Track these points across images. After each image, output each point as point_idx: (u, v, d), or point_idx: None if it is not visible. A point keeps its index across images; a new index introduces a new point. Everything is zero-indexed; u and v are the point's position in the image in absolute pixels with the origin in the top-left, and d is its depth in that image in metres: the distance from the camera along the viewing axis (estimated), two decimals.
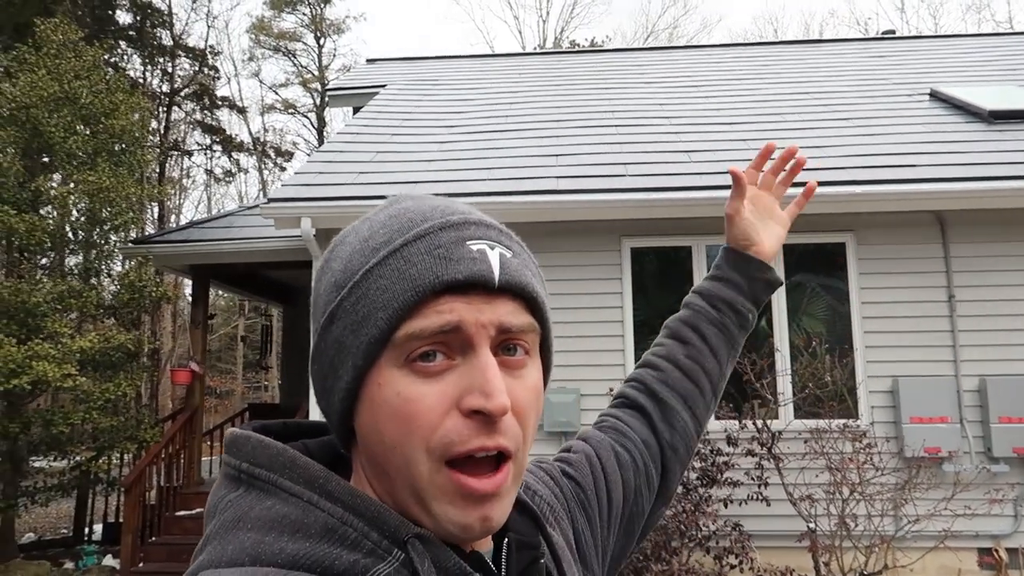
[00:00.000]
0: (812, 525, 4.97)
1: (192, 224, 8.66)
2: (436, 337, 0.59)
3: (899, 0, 38.69)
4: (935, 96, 8.11)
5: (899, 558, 5.20)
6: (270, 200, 6.02)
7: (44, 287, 6.33)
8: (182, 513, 7.24)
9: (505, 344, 0.62)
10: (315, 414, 6.19)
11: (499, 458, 0.61)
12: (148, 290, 7.02)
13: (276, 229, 6.27)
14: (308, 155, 27.85)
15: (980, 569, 5.58)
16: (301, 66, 29.02)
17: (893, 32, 15.27)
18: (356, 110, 10.36)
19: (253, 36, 28.01)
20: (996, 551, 5.55)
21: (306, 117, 29.25)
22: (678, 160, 6.55)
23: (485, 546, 0.68)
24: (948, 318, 5.89)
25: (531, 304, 0.64)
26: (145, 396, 17.53)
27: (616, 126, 7.71)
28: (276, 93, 29.16)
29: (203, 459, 8.23)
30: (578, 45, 30.10)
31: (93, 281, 7.50)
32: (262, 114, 28.97)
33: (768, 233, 1.12)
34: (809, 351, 5.68)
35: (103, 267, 7.86)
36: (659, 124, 7.73)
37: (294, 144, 28.76)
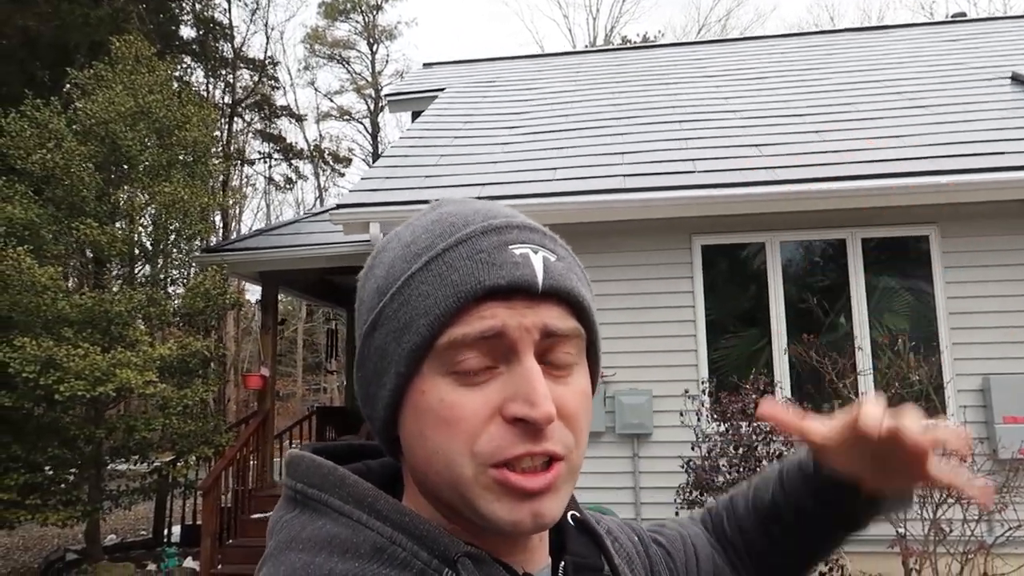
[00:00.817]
0: (902, 530, 4.77)
1: (260, 232, 8.84)
2: (478, 344, 0.58)
3: None
4: (1017, 79, 7.74)
5: (998, 566, 4.95)
6: (339, 206, 6.09)
7: (126, 296, 6.53)
8: (257, 516, 7.38)
9: (550, 351, 0.61)
10: None
11: (549, 461, 0.59)
12: (223, 297, 7.19)
13: (344, 234, 6.34)
14: (365, 160, 28.27)
15: None
16: (355, 73, 29.48)
17: (964, 15, 14.67)
18: (415, 114, 10.44)
19: (308, 46, 28.57)
20: None
21: (360, 123, 29.70)
22: (748, 155, 6.38)
23: (539, 565, 0.66)
24: None
25: (576, 309, 0.62)
26: (214, 402, 18.01)
27: (680, 121, 7.58)
28: (331, 100, 29.74)
29: (274, 461, 8.37)
30: (629, 41, 29.83)
31: (169, 290, 7.73)
32: (318, 122, 29.53)
33: (887, 478, 0.74)
34: (894, 349, 5.46)
35: (178, 276, 8.09)
36: (725, 118, 7.56)
37: (350, 150, 29.20)
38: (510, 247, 0.61)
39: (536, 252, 0.62)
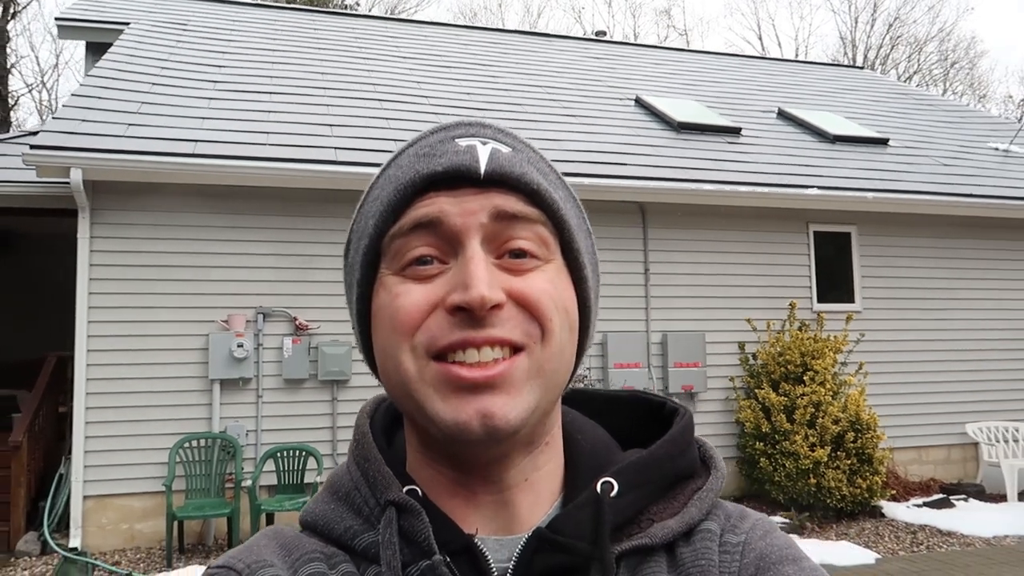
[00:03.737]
0: None
1: None
2: (418, 233, 0.56)
3: None
4: (639, 103, 9.86)
5: None
6: (34, 147, 5.77)
7: None
8: None
9: (505, 241, 0.56)
10: (80, 374, 6.07)
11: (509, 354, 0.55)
12: None
13: (37, 176, 6.00)
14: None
15: None
16: None
17: (604, 33, 17.51)
18: (92, 46, 9.71)
19: None
20: None
21: None
22: None
23: (540, 512, 0.60)
24: (643, 286, 7.55)
25: (535, 199, 0.58)
26: None
27: (380, 100, 8.34)
28: None
29: None
30: None
31: None
32: None
33: None
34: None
35: None
36: (419, 102, 8.50)
37: None
38: (456, 140, 0.59)
39: (485, 144, 0.58)
